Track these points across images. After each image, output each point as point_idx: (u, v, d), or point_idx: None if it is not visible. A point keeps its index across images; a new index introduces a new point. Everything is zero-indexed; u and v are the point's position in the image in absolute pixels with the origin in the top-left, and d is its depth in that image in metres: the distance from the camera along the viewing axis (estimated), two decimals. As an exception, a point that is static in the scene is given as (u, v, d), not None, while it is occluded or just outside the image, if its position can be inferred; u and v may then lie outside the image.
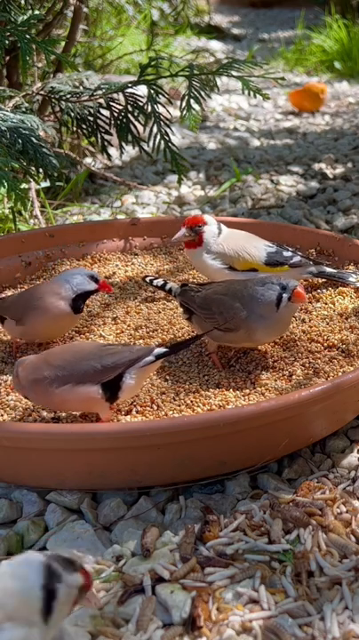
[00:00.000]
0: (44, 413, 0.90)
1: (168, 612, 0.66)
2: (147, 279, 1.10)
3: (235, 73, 1.34)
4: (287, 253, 1.14)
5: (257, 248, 1.14)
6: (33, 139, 1.24)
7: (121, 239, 1.36)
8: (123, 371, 0.84)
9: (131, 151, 2.07)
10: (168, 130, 1.41)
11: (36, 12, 1.37)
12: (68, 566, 0.58)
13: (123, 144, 1.48)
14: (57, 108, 1.49)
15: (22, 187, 1.44)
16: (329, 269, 1.16)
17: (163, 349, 0.87)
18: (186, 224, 1.13)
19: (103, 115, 1.48)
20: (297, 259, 1.14)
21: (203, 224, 1.12)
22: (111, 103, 1.45)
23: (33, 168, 1.30)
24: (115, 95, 1.45)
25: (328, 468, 0.86)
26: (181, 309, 1.04)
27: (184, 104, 1.35)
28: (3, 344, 1.07)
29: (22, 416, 0.90)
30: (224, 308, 0.96)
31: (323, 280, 1.18)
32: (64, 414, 0.90)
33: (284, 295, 0.93)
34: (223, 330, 0.96)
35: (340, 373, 0.94)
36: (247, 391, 0.92)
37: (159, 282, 1.09)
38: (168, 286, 1.07)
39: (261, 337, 0.96)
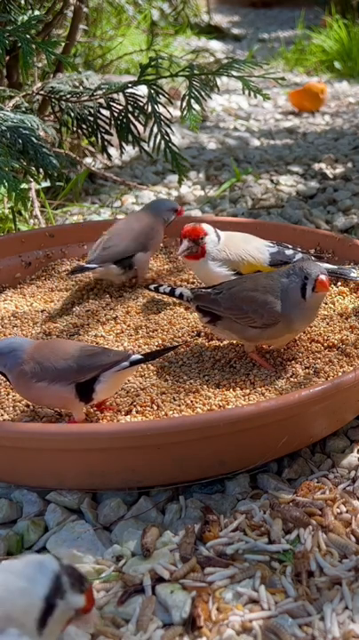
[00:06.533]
0: (45, 412, 0.90)
1: (168, 612, 0.66)
2: (152, 287, 1.09)
3: (235, 73, 1.34)
4: (289, 252, 1.14)
5: (259, 250, 1.13)
6: (33, 138, 1.24)
7: (121, 239, 1.35)
8: (98, 373, 0.85)
9: (131, 151, 2.07)
10: (168, 130, 1.41)
11: (36, 13, 1.37)
12: (76, 585, 0.57)
13: (124, 144, 1.48)
14: (57, 108, 1.50)
15: (22, 187, 1.44)
16: (330, 266, 1.16)
17: (138, 356, 0.87)
18: (186, 236, 1.10)
19: (103, 115, 1.48)
20: (299, 257, 1.14)
21: (204, 235, 1.10)
22: (111, 103, 1.45)
23: (33, 168, 1.30)
24: (115, 95, 1.45)
25: (328, 468, 0.86)
26: (199, 314, 1.00)
27: (184, 104, 1.35)
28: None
29: (22, 416, 0.90)
30: (257, 304, 0.94)
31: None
32: (64, 413, 0.90)
33: (308, 286, 0.93)
34: (261, 327, 0.95)
35: (340, 373, 0.94)
36: (247, 391, 0.92)
37: (166, 288, 1.07)
38: (177, 292, 1.04)
39: (299, 325, 0.96)
